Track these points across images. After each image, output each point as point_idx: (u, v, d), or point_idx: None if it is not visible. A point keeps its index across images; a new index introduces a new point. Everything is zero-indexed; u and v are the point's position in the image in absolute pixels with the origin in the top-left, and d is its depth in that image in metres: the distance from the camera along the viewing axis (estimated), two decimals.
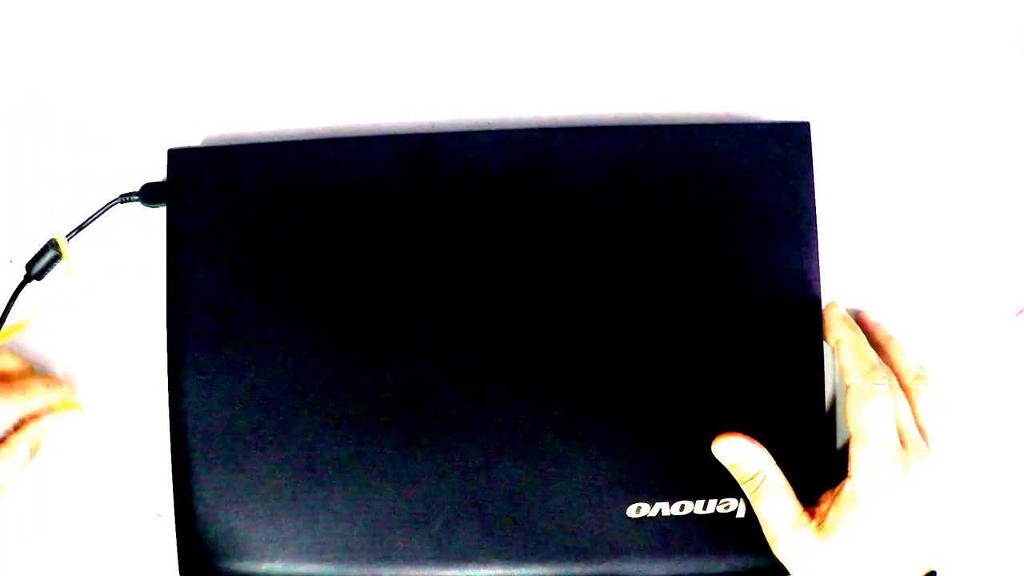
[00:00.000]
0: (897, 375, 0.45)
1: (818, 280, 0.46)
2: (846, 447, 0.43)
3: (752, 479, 0.43)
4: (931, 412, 0.44)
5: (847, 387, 0.43)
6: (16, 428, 0.46)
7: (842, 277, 0.49)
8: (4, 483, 0.46)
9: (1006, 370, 0.49)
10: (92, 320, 0.49)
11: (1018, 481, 0.49)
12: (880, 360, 0.44)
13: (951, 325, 0.49)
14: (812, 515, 0.42)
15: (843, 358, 0.44)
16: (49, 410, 0.47)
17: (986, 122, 0.50)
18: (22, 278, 0.48)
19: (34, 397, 0.46)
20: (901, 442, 0.42)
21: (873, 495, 0.41)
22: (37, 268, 0.48)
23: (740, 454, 0.43)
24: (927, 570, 0.41)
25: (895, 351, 0.46)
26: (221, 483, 0.45)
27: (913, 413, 0.44)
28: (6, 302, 0.48)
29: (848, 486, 0.42)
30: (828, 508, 0.42)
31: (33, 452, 0.47)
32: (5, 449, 0.45)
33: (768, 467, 0.43)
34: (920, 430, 0.43)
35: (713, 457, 0.44)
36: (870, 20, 0.51)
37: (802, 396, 0.46)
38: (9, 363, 0.47)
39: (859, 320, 0.48)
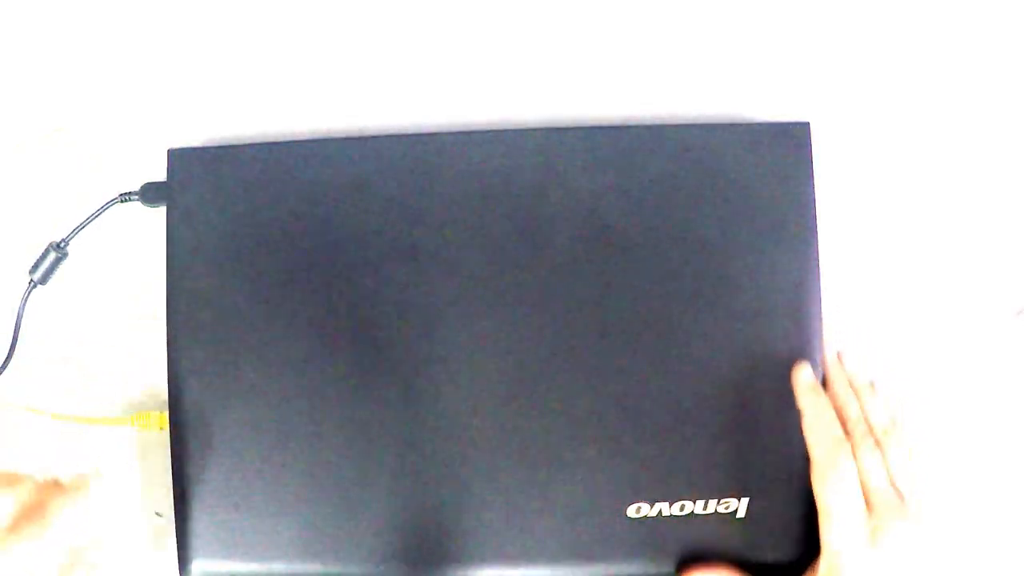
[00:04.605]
0: (869, 427, 0.45)
1: (818, 281, 0.46)
2: None
3: None
4: (904, 466, 0.43)
5: (812, 460, 0.44)
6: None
7: (842, 277, 0.49)
8: None
9: (1006, 370, 0.49)
10: (91, 320, 0.49)
11: (1018, 479, 0.49)
12: (860, 414, 0.44)
13: (951, 325, 0.49)
14: None
15: (806, 430, 0.44)
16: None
17: (986, 122, 0.50)
18: (28, 284, 0.48)
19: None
20: (869, 506, 0.42)
21: (847, 570, 0.41)
22: (40, 273, 0.48)
23: None
24: None
25: (868, 401, 0.46)
26: (221, 483, 0.45)
27: (886, 468, 0.43)
28: (16, 312, 0.49)
29: (823, 564, 0.42)
30: None
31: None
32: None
33: None
34: (894, 486, 0.43)
35: (713, 456, 0.45)
36: (870, 20, 0.51)
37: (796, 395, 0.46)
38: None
39: (838, 361, 0.47)
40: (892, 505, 0.42)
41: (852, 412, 0.45)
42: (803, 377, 0.45)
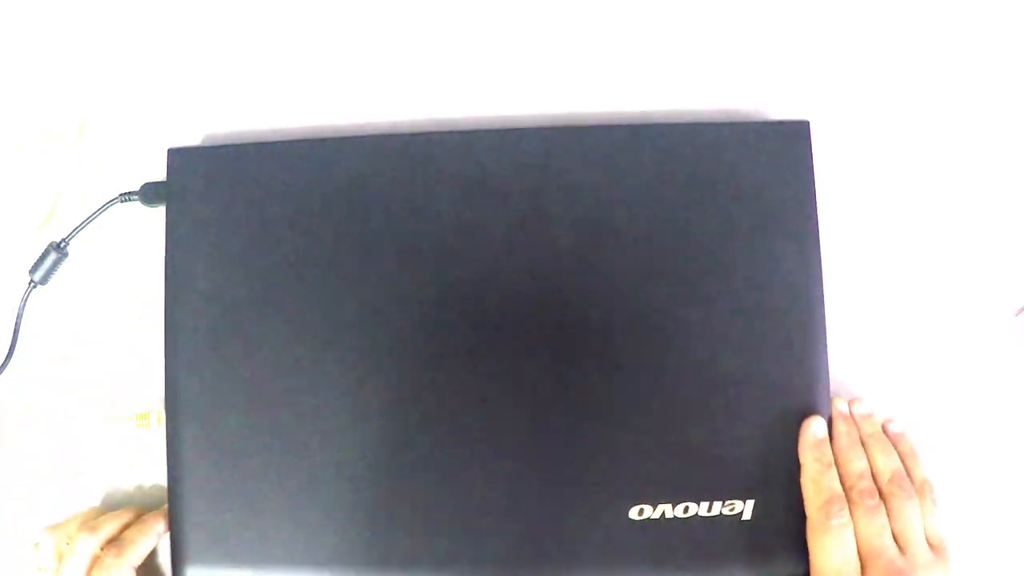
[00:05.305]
0: (874, 477, 0.44)
1: (818, 280, 0.46)
2: None
3: None
4: (908, 521, 0.43)
5: (807, 518, 0.44)
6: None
7: (842, 277, 0.49)
8: None
9: (1006, 370, 0.49)
10: (91, 320, 0.49)
11: (1018, 479, 0.49)
12: (864, 469, 0.44)
13: (951, 325, 0.49)
14: None
15: (804, 487, 0.44)
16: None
17: (986, 122, 0.50)
18: (28, 284, 0.48)
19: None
20: (863, 567, 0.42)
21: None
22: (40, 273, 0.48)
23: None
24: None
25: (874, 451, 0.45)
26: (219, 484, 0.45)
27: (890, 524, 0.43)
28: (16, 312, 0.48)
29: None
30: None
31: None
32: None
33: None
34: (897, 541, 0.43)
35: (717, 457, 0.44)
36: (870, 20, 0.51)
37: (800, 394, 0.45)
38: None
39: (850, 409, 0.47)
40: (886, 565, 0.42)
41: (855, 467, 0.44)
42: (810, 432, 0.45)
